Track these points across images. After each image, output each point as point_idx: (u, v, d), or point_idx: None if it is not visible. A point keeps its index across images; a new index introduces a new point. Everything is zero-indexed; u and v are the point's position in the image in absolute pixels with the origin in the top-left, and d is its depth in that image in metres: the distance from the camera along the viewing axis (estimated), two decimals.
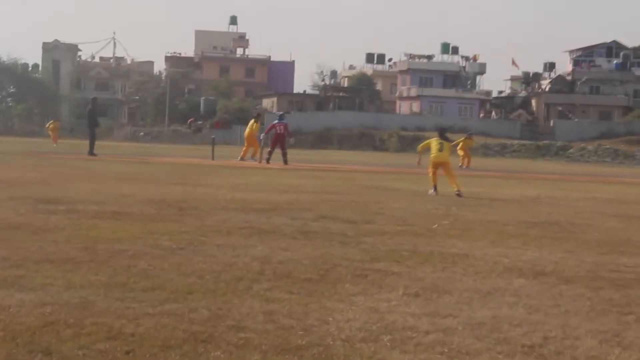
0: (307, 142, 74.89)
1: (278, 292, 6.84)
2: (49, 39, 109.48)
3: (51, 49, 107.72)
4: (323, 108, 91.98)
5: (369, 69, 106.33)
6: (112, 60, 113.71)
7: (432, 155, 19.39)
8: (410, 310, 6.39)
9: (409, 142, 69.85)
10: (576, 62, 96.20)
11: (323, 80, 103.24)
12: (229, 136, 73.37)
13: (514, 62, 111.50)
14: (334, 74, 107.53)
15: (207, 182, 20.04)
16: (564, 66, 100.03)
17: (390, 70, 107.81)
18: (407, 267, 8.41)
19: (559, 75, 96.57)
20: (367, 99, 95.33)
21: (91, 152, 33.60)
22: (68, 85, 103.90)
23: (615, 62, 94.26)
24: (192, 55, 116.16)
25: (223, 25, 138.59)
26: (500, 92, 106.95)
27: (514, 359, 5.22)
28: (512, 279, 8.02)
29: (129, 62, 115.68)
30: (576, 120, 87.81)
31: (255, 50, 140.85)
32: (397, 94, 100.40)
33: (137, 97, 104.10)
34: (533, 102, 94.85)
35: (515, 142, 77.86)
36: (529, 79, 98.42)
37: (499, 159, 67.16)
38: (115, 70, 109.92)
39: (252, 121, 35.68)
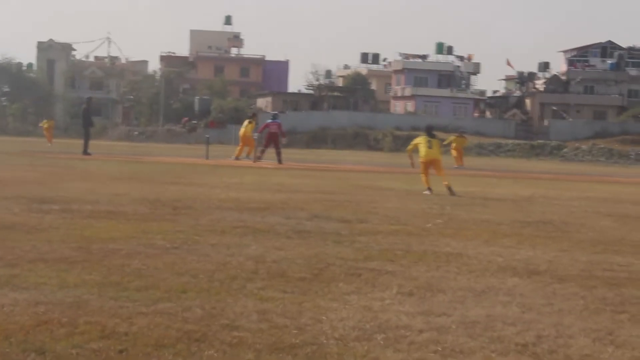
0: (302, 141, 74.88)
1: (272, 291, 6.84)
2: (44, 39, 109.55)
3: (46, 49, 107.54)
4: (317, 107, 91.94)
5: (363, 69, 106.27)
6: (106, 60, 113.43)
7: (422, 154, 19.34)
8: (404, 309, 6.39)
9: (404, 142, 69.59)
10: (571, 62, 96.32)
11: (317, 79, 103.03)
12: (223, 136, 73.28)
13: (508, 62, 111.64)
14: (328, 73, 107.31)
15: (201, 181, 20.03)
16: (559, 66, 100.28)
17: (384, 70, 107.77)
18: (401, 266, 8.42)
19: (554, 75, 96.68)
20: (361, 99, 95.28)
21: (85, 152, 33.61)
22: (62, 85, 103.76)
23: (609, 62, 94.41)
24: (187, 55, 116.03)
25: (218, 25, 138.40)
26: (495, 91, 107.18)
27: (507, 358, 5.23)
28: (505, 278, 8.03)
29: (123, 61, 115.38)
30: (570, 119, 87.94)
31: (249, 49, 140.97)
32: (392, 93, 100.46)
33: (132, 97, 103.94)
34: (527, 101, 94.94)
35: (510, 141, 77.93)
36: (524, 79, 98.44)
37: (493, 158, 67.27)
38: (110, 69, 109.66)
39: (247, 121, 35.68)
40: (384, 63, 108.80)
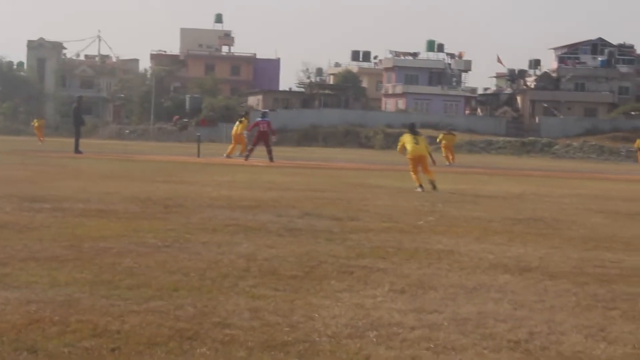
0: (293, 139, 74.78)
1: (264, 289, 6.84)
2: (34, 37, 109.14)
3: (36, 47, 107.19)
4: (309, 105, 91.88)
5: (354, 67, 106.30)
6: (97, 59, 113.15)
7: (410, 151, 19.43)
8: (396, 307, 6.39)
9: (395, 140, 68.96)
10: (561, 59, 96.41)
11: (308, 77, 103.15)
12: (214, 134, 73.18)
13: (499, 59, 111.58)
14: (319, 71, 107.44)
15: (192, 179, 20.01)
16: (549, 63, 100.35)
17: (375, 67, 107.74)
18: (393, 264, 8.42)
19: (544, 72, 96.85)
20: (352, 97, 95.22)
21: (77, 150, 33.58)
22: (53, 84, 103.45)
23: (600, 59, 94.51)
24: (178, 53, 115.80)
25: (208, 23, 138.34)
26: (486, 89, 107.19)
27: (499, 355, 5.23)
28: (497, 275, 8.04)
29: (114, 60, 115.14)
30: (561, 117, 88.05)
31: (240, 48, 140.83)
32: (383, 91, 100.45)
33: (123, 95, 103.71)
34: (518, 99, 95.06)
35: (501, 138, 77.97)
36: (515, 76, 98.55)
37: (484, 155, 67.34)
38: (101, 68, 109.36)
39: (239, 120, 35.93)
40: (375, 61, 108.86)
